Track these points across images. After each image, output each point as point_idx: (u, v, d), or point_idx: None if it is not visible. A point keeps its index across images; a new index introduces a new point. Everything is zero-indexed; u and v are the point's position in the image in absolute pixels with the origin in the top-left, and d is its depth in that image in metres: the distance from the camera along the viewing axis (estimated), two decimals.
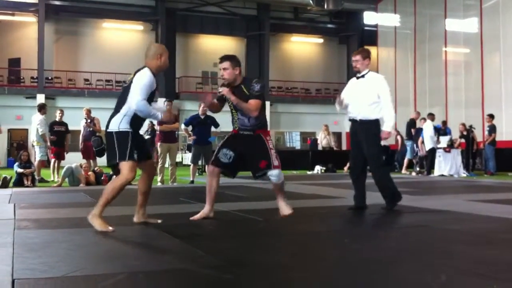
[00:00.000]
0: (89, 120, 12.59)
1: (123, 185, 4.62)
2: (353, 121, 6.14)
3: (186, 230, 4.67)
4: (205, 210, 5.23)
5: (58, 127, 13.04)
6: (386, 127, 6.04)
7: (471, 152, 15.70)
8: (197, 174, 12.64)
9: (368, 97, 5.97)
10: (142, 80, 4.61)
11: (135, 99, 4.54)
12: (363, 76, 6.08)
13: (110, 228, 4.48)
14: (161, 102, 5.44)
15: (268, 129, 5.42)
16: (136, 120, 4.67)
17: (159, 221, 4.97)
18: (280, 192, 5.33)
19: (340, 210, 6.20)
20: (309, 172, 17.17)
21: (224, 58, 5.17)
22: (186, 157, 24.09)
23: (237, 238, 4.26)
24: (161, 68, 4.85)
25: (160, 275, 2.97)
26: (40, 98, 26.86)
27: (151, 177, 5.03)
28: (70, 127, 13.68)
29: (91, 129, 12.48)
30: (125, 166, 4.61)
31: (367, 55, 6.11)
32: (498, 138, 16.35)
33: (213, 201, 5.27)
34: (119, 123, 4.61)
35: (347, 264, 3.26)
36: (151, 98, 4.71)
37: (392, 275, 2.95)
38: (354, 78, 6.23)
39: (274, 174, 5.10)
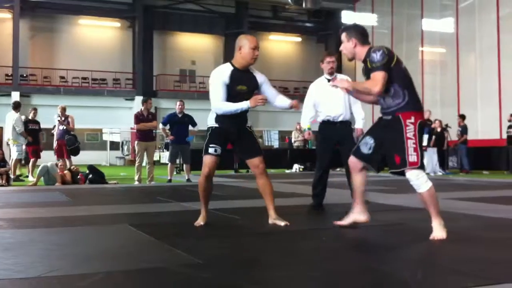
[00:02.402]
0: (62, 118, 12.42)
1: (201, 180, 4.69)
2: (330, 122, 6.12)
3: (163, 229, 4.63)
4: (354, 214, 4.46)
5: (33, 125, 12.90)
6: (359, 124, 6.17)
7: (446, 150, 15.88)
8: (174, 173, 12.58)
9: (345, 98, 6.00)
10: (211, 81, 4.61)
11: (212, 105, 4.62)
12: (336, 77, 6.04)
13: (201, 223, 4.68)
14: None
15: (418, 109, 4.07)
16: (224, 115, 4.60)
17: (282, 224, 4.63)
18: (431, 206, 3.99)
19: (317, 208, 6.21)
20: (287, 171, 17.21)
21: (342, 29, 4.33)
22: (164, 156, 23.98)
23: (215, 236, 4.24)
24: (245, 61, 4.59)
25: (138, 275, 2.94)
26: (15, 96, 26.50)
27: (261, 175, 4.74)
28: (46, 125, 13.55)
29: (64, 127, 12.31)
30: (203, 160, 4.66)
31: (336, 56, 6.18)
32: (473, 137, 16.58)
33: (361, 202, 4.42)
34: (208, 120, 4.72)
35: (324, 263, 3.26)
36: (235, 92, 4.54)
37: (370, 273, 2.96)
38: (324, 79, 6.16)
39: (411, 178, 3.95)
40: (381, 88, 3.93)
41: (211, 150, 4.62)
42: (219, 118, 4.64)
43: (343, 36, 4.23)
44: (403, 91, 4.01)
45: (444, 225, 3.95)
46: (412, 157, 3.89)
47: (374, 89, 3.95)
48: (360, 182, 4.34)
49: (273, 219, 4.72)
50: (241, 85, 4.59)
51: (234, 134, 4.70)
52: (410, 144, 3.90)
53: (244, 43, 4.57)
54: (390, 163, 4.05)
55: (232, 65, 4.63)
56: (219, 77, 4.56)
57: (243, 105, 4.50)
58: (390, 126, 4.04)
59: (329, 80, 6.02)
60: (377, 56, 3.97)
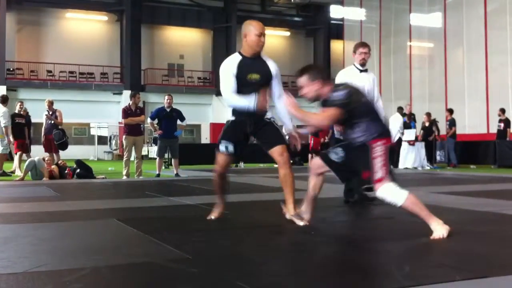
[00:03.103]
0: (50, 112, 12.33)
1: (214, 177, 4.65)
2: None
3: (151, 224, 4.62)
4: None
5: (19, 119, 12.80)
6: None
7: (434, 144, 15.98)
8: (163, 168, 12.55)
9: (372, 91, 5.87)
10: (220, 73, 4.45)
11: (223, 97, 4.53)
12: (366, 70, 5.95)
13: (213, 217, 4.63)
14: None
15: (385, 136, 3.96)
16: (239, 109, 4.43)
17: (301, 223, 4.29)
18: (419, 213, 3.82)
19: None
20: (276, 165, 17.17)
21: (299, 72, 4.06)
22: (152, 150, 23.91)
23: (203, 231, 4.24)
24: (251, 49, 4.37)
25: (125, 269, 2.92)
26: (2, 90, 26.27)
27: (284, 164, 4.46)
28: (33, 120, 13.41)
29: (52, 121, 12.22)
30: (216, 156, 4.55)
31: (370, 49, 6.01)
32: (461, 132, 16.70)
33: (311, 207, 4.31)
34: (227, 113, 4.60)
35: (313, 257, 3.26)
36: (246, 82, 4.36)
37: (357, 267, 2.97)
38: (356, 70, 5.99)
39: (384, 196, 3.80)
40: (326, 122, 3.94)
41: (221, 148, 4.47)
42: (235, 110, 4.46)
43: (304, 80, 3.97)
44: (367, 125, 3.89)
45: (443, 222, 3.78)
46: (379, 173, 3.78)
47: (319, 123, 3.97)
48: (314, 185, 4.23)
49: (291, 215, 4.40)
50: (252, 73, 4.39)
51: (252, 126, 4.45)
52: (377, 163, 3.80)
53: (249, 30, 4.37)
54: (360, 178, 4.03)
55: (240, 54, 4.47)
56: (227, 67, 4.40)
57: (249, 106, 4.33)
58: (359, 148, 3.93)
59: (360, 71, 5.93)
60: (339, 94, 3.84)
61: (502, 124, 16.16)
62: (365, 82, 5.86)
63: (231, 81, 4.37)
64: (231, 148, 4.47)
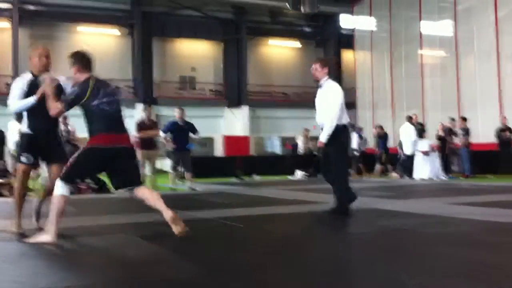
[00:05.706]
0: (62, 127, 12.35)
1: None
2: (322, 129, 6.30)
3: (167, 239, 4.63)
4: None
5: None
6: (321, 136, 6.07)
7: (449, 154, 15.84)
8: (178, 182, 12.57)
9: (325, 105, 6.13)
10: None
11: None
12: (321, 85, 6.23)
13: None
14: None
15: (95, 133, 4.52)
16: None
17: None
18: (51, 212, 4.49)
19: (320, 214, 6.21)
20: (290, 177, 17.12)
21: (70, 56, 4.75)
22: (166, 164, 23.93)
23: (220, 245, 4.24)
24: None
25: (140, 285, 2.93)
26: None
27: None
28: None
29: (66, 139, 12.21)
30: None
31: (325, 64, 6.28)
32: (475, 140, 16.53)
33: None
34: None
35: (324, 267, 3.26)
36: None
37: (369, 276, 2.96)
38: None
39: (55, 184, 4.48)
40: (55, 114, 4.50)
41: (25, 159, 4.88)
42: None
43: (70, 63, 4.61)
44: (88, 123, 4.47)
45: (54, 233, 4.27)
46: (63, 171, 4.40)
47: (51, 111, 4.45)
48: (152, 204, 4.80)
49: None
50: None
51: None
52: (70, 161, 4.41)
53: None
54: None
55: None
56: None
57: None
58: None
59: (319, 88, 6.27)
60: (69, 92, 4.61)
61: (507, 133, 15.92)
62: (319, 98, 6.24)
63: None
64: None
